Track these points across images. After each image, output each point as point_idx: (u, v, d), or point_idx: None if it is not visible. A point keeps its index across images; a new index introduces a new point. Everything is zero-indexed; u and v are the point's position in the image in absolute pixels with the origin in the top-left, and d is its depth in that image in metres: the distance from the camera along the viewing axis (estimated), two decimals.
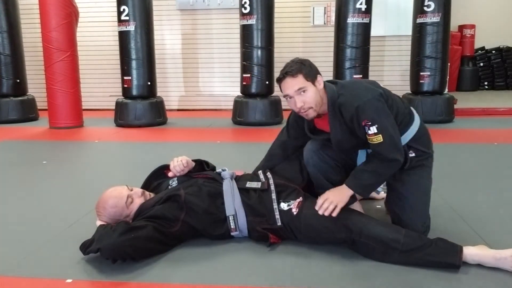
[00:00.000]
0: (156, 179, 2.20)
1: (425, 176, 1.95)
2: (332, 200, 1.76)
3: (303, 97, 1.82)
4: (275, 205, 1.88)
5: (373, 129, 1.77)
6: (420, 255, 1.66)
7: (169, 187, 2.05)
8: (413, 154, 1.91)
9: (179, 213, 1.86)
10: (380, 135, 1.76)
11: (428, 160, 1.96)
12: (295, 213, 1.84)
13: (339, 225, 1.75)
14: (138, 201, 1.94)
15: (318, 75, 1.87)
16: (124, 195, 1.92)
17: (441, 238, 1.73)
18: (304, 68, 1.84)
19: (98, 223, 1.90)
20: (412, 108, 2.00)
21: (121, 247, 1.70)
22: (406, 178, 1.92)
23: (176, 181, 2.06)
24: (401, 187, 1.92)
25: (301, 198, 1.90)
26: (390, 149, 1.78)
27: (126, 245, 1.70)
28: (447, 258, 1.65)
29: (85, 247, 1.74)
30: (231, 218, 1.89)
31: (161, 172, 2.21)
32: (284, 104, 6.10)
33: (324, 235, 1.80)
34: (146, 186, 2.17)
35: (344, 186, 1.84)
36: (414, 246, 1.67)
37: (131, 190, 1.97)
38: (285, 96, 1.87)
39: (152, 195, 2.03)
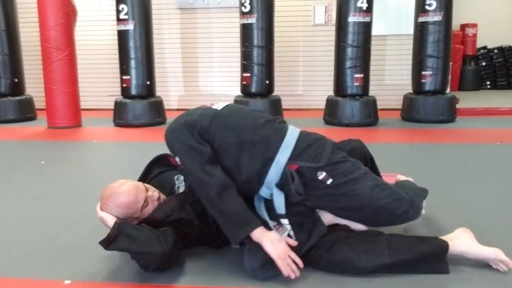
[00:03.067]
0: (160, 166, 2.04)
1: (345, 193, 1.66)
2: (284, 258, 1.56)
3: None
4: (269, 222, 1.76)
5: (178, 160, 1.67)
6: (408, 270, 1.64)
7: (176, 187, 1.95)
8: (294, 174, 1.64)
9: (191, 231, 1.80)
10: (182, 161, 1.64)
11: (336, 171, 1.65)
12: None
13: (324, 263, 1.66)
14: (151, 207, 1.78)
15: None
16: (142, 198, 1.74)
17: (428, 241, 1.68)
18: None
19: (104, 215, 1.71)
20: (285, 123, 1.78)
21: (170, 257, 1.65)
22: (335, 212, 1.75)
23: (183, 183, 1.94)
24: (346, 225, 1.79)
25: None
26: (191, 171, 1.61)
27: (173, 255, 1.67)
28: (435, 270, 1.64)
29: (110, 242, 1.57)
30: None
31: (166, 159, 2.04)
32: (284, 104, 6.08)
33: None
34: (146, 173, 2.03)
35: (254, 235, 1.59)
36: (402, 266, 1.63)
37: (147, 190, 1.79)
38: None
39: (163, 197, 1.87)
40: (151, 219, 1.76)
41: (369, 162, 2.16)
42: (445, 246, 1.66)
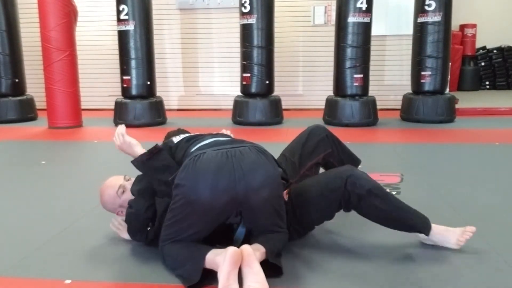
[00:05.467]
0: None
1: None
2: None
3: None
4: None
5: None
6: (399, 209, 1.77)
7: None
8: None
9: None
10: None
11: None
12: (286, 199, 1.82)
13: (333, 177, 1.79)
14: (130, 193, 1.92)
15: None
16: (116, 184, 1.95)
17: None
18: None
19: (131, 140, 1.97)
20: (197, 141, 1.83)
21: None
22: None
23: None
24: None
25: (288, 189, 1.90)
26: None
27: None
28: (421, 226, 1.80)
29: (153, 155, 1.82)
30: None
31: None
32: (284, 104, 6.09)
33: (317, 199, 1.80)
34: None
35: None
36: (394, 200, 1.77)
37: (127, 180, 1.97)
38: None
39: None
40: None
41: (337, 142, 2.25)
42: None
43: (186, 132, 2.30)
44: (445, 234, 1.83)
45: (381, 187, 1.76)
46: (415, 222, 1.79)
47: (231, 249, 1.48)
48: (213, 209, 1.60)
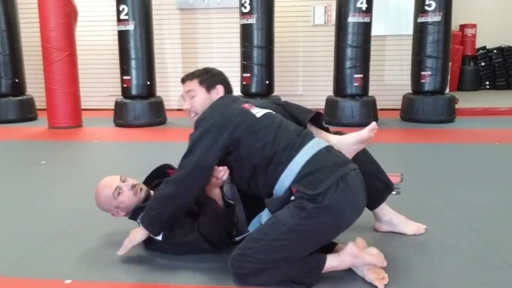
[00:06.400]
0: (159, 177, 2.10)
1: (288, 217, 1.53)
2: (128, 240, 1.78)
3: (192, 100, 1.87)
4: None
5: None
6: (374, 164, 1.97)
7: None
8: (293, 198, 1.57)
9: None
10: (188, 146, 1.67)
11: (305, 203, 1.52)
12: None
13: None
14: (127, 194, 1.89)
15: (219, 85, 1.88)
16: (113, 185, 1.90)
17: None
18: (204, 75, 1.90)
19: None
20: (305, 139, 1.67)
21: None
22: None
23: None
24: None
25: None
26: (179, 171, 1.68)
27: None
28: (389, 182, 2.00)
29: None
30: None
31: (164, 170, 2.12)
32: None
33: None
34: (147, 182, 2.09)
35: None
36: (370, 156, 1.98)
37: (124, 181, 1.92)
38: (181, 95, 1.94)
39: (144, 188, 1.95)
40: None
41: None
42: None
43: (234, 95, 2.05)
44: (404, 221, 2.02)
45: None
46: (386, 177, 1.96)
47: (354, 244, 1.62)
48: (345, 227, 1.63)
